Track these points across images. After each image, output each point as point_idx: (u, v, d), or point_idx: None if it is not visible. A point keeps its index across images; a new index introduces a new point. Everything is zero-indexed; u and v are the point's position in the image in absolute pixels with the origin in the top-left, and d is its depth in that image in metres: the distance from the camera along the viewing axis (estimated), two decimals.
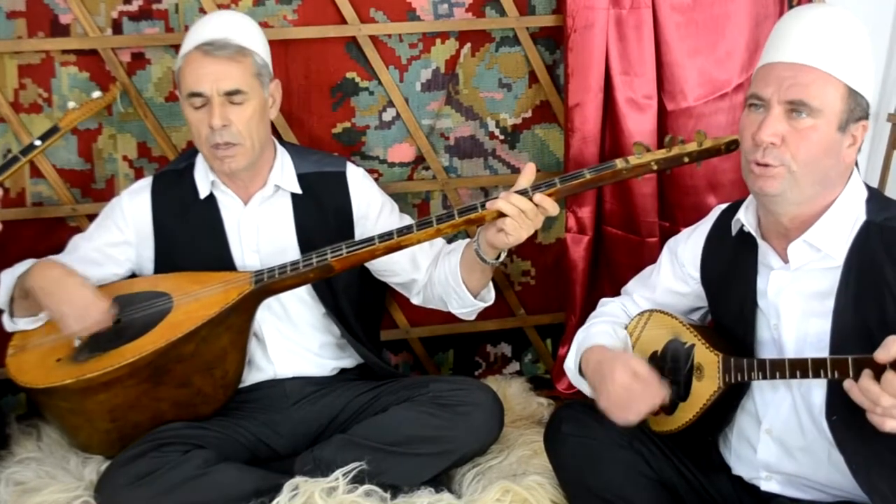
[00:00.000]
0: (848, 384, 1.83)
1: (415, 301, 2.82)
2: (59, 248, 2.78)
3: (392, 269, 2.75)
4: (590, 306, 3.14)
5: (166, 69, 3.04)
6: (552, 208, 2.36)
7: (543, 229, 3.36)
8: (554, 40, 3.22)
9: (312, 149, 2.94)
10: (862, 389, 1.80)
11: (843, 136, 1.99)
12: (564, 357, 3.19)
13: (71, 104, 2.85)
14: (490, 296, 2.69)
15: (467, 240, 2.66)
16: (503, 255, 2.51)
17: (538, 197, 2.35)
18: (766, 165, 1.99)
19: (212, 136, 2.53)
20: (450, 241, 2.75)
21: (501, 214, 2.36)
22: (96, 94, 2.89)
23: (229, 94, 2.52)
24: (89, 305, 2.48)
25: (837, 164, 2.01)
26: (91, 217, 2.90)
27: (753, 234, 2.17)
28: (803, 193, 2.01)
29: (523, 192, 2.37)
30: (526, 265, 3.41)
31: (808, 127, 1.95)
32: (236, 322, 2.57)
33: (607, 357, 2.25)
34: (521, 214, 2.34)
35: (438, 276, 2.67)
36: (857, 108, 1.99)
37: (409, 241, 2.48)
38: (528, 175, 2.40)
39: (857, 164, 2.11)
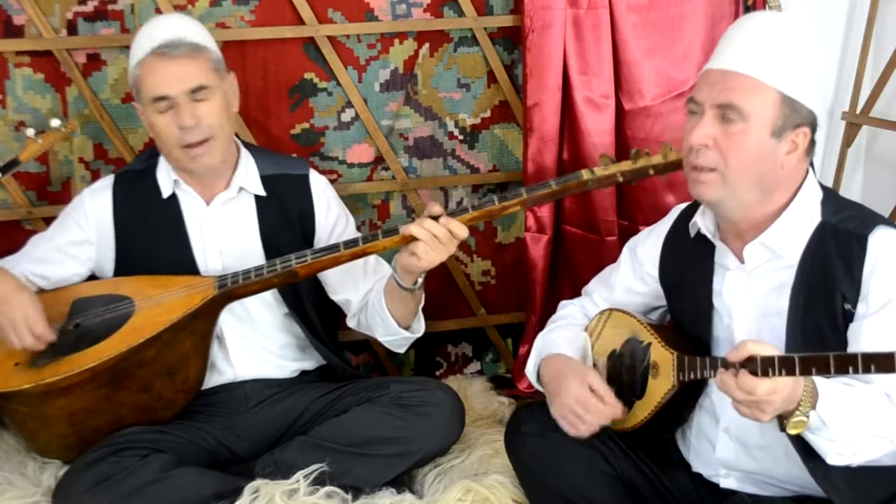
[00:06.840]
0: (719, 381, 1.83)
1: (350, 324, 2.82)
2: (14, 251, 2.74)
3: (333, 286, 2.76)
4: (550, 305, 3.16)
5: (122, 70, 3.01)
6: (459, 230, 2.38)
7: (503, 228, 3.38)
8: (512, 40, 3.23)
9: (273, 151, 2.93)
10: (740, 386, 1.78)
11: (778, 142, 1.99)
12: (525, 356, 3.22)
13: (29, 131, 2.81)
14: (418, 327, 2.69)
15: None
16: (420, 281, 2.51)
17: (444, 220, 2.37)
18: (700, 169, 2.02)
19: (183, 136, 2.51)
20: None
21: (414, 238, 2.38)
22: (55, 122, 2.84)
23: (194, 91, 2.51)
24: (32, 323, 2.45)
25: (774, 170, 2.01)
26: (47, 220, 2.88)
27: (711, 238, 2.18)
28: (742, 198, 2.04)
29: (435, 218, 2.39)
30: (486, 265, 3.42)
31: (739, 131, 1.97)
32: (199, 327, 2.55)
33: (565, 368, 2.28)
34: (433, 239, 2.37)
35: (371, 302, 2.68)
36: (793, 115, 1.99)
37: (375, 247, 2.47)
38: (435, 204, 2.44)
39: (812, 165, 2.12)
